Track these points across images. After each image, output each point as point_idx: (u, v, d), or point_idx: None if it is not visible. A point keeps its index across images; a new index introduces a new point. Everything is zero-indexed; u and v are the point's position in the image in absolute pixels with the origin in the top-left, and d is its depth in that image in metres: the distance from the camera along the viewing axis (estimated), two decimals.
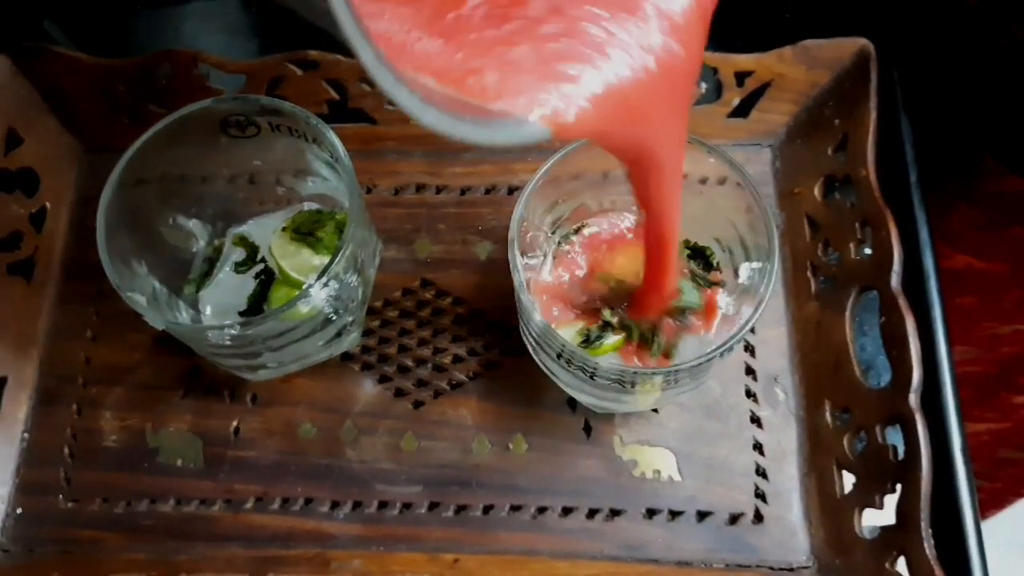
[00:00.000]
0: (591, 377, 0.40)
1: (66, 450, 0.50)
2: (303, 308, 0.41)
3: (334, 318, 0.44)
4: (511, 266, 0.40)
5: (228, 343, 0.41)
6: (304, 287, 0.41)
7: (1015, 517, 0.90)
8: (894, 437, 0.44)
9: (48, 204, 0.54)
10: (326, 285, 0.40)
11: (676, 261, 0.38)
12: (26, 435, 0.50)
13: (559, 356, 0.40)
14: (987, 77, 0.53)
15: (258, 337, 0.41)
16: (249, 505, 0.48)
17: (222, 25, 0.66)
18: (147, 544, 0.48)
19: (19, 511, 0.49)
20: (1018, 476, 0.79)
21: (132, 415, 0.51)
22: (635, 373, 0.40)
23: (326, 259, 0.44)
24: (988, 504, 0.86)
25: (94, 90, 0.55)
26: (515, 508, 0.47)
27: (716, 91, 0.53)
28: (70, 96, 0.55)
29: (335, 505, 0.48)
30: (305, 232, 0.45)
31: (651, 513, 0.47)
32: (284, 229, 0.45)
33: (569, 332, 0.43)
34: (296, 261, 0.45)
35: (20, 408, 0.51)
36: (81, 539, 0.48)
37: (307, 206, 0.50)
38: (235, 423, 0.50)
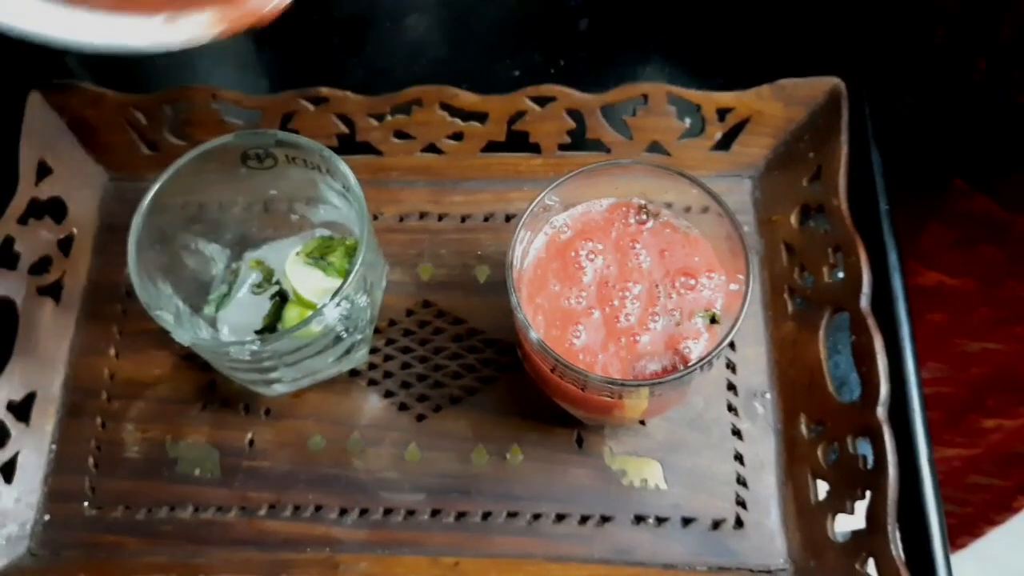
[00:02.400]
0: (582, 389, 0.43)
1: (91, 460, 0.53)
2: (316, 327, 0.44)
3: (344, 336, 0.47)
4: (508, 288, 0.43)
5: (247, 359, 0.44)
6: (318, 307, 0.44)
7: (991, 544, 0.91)
8: (864, 448, 0.47)
9: (75, 230, 0.57)
10: (338, 305, 0.44)
11: None
12: (54, 446, 0.53)
13: (553, 370, 0.44)
14: (957, 106, 0.57)
15: (275, 353, 0.44)
16: (263, 512, 0.51)
17: (235, 62, 0.70)
18: (166, 548, 0.51)
19: (47, 517, 0.52)
20: (989, 501, 0.81)
21: (153, 427, 0.53)
22: (622, 385, 0.43)
23: (336, 282, 0.48)
24: (960, 531, 0.87)
25: (118, 122, 0.58)
26: (512, 515, 0.50)
27: (700, 126, 0.56)
28: (95, 128, 0.59)
29: (343, 512, 0.51)
30: (318, 256, 0.48)
31: (639, 519, 0.50)
32: (298, 254, 0.48)
33: None
34: (309, 283, 0.48)
35: (48, 421, 0.54)
36: (104, 543, 0.51)
37: (318, 232, 0.53)
38: (250, 435, 0.53)
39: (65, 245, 0.57)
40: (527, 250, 0.47)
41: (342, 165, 0.47)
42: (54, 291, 0.56)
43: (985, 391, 0.68)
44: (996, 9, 0.49)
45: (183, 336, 0.43)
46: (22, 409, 0.53)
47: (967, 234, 0.60)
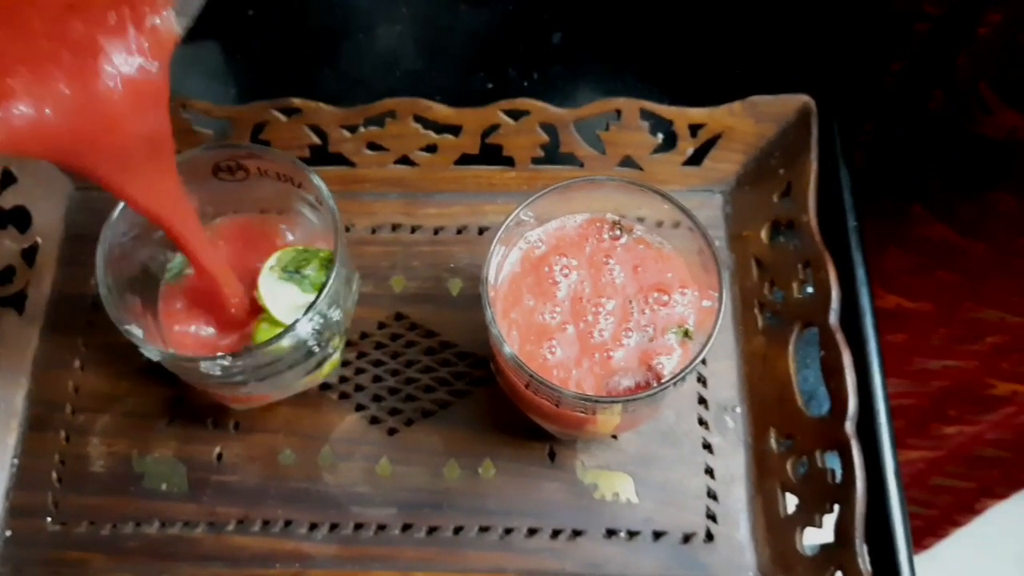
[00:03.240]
0: (556, 404, 0.43)
1: (54, 475, 0.52)
2: (288, 343, 0.44)
3: (316, 350, 0.47)
4: (483, 303, 0.43)
5: (218, 374, 0.43)
6: (292, 322, 0.44)
7: (955, 545, 0.93)
8: (833, 462, 0.47)
9: (39, 240, 0.56)
10: (311, 320, 0.44)
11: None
12: (16, 460, 0.52)
13: (527, 385, 0.44)
14: (915, 134, 0.58)
15: (246, 368, 0.44)
16: (231, 527, 0.51)
17: (204, 69, 0.69)
18: (133, 565, 0.50)
19: (8, 533, 0.51)
20: (953, 504, 0.83)
21: (118, 441, 0.53)
22: (596, 401, 0.43)
23: (310, 296, 0.47)
24: (924, 532, 0.89)
25: None
26: (483, 529, 0.50)
27: (671, 141, 0.57)
28: None
29: (313, 527, 0.50)
30: (292, 270, 0.48)
31: (610, 533, 0.50)
32: (272, 268, 0.48)
33: None
34: (282, 301, 0.47)
35: (10, 435, 0.53)
36: (69, 560, 0.50)
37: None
38: (218, 449, 0.52)
39: (29, 255, 0.56)
40: (502, 265, 0.47)
41: (315, 177, 0.46)
42: (17, 302, 0.55)
43: (946, 402, 0.70)
44: (953, 44, 0.50)
45: (152, 352, 0.43)
46: None
47: (925, 259, 0.62)
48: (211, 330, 0.49)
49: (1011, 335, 0.61)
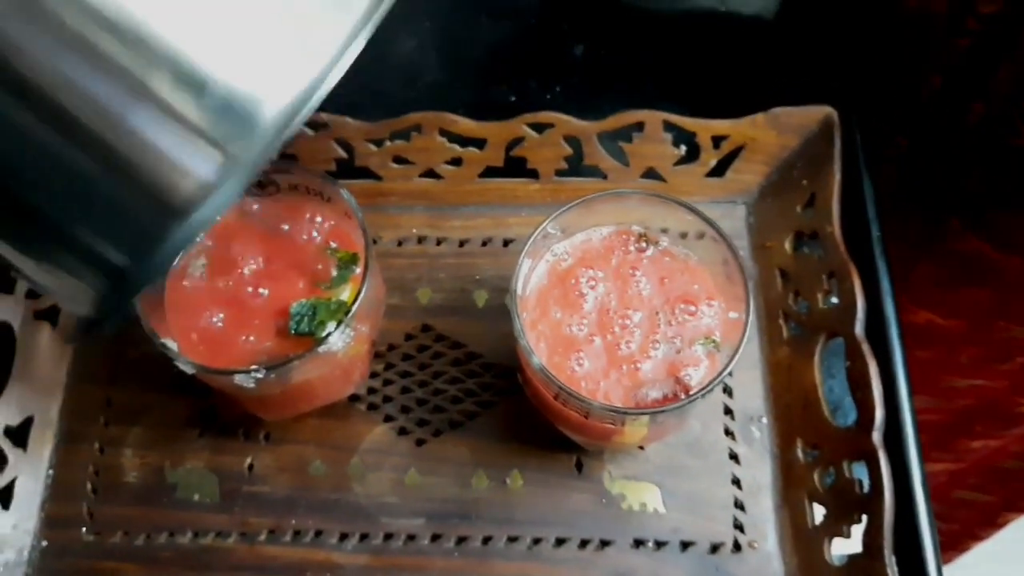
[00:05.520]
0: (585, 416, 0.44)
1: (89, 486, 0.53)
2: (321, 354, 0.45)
3: (346, 363, 0.48)
4: (512, 314, 0.44)
5: (251, 386, 0.44)
6: (324, 334, 0.44)
7: (976, 559, 0.92)
8: (860, 472, 0.47)
9: None
10: (343, 332, 0.44)
11: None
12: (51, 472, 0.53)
13: (556, 397, 0.44)
14: (952, 148, 0.58)
15: (279, 380, 0.45)
16: (263, 537, 0.51)
17: None
18: (166, 574, 0.50)
19: (45, 544, 0.51)
20: (974, 518, 0.82)
21: (151, 453, 0.53)
22: (625, 413, 0.43)
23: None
24: (945, 547, 0.88)
25: None
26: (512, 539, 0.51)
27: (695, 153, 0.57)
28: None
29: (343, 537, 0.51)
30: (306, 331, 0.47)
31: (638, 543, 0.50)
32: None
33: None
34: None
35: (45, 447, 0.53)
36: (103, 570, 0.51)
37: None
38: (249, 460, 0.53)
39: None
40: (529, 277, 0.47)
41: (344, 192, 0.47)
42: (51, 315, 0.56)
43: (972, 419, 0.69)
44: (993, 58, 0.50)
45: (187, 365, 0.43)
46: (19, 434, 0.53)
47: (957, 274, 0.61)
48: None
49: None
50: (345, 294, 0.47)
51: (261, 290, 0.47)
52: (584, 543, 0.50)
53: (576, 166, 0.58)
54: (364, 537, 0.51)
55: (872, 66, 0.63)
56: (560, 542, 0.50)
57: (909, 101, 0.58)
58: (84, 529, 0.52)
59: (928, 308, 0.63)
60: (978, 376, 0.65)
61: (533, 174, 0.58)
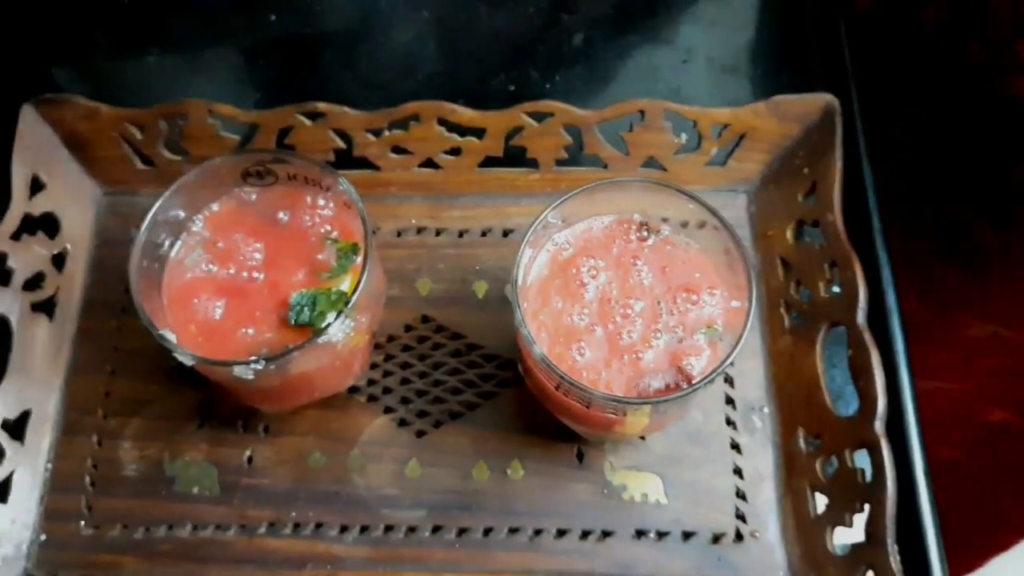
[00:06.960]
0: (586, 406, 0.44)
1: (87, 479, 0.52)
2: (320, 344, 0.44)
3: (346, 354, 0.47)
4: (513, 304, 0.43)
5: (250, 377, 0.44)
6: (323, 326, 0.44)
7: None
8: (862, 461, 0.47)
9: (69, 245, 0.57)
10: (343, 323, 0.44)
11: None
12: (49, 465, 0.53)
13: (557, 387, 0.44)
14: (976, 133, 0.56)
15: (279, 371, 0.44)
16: (262, 530, 0.51)
17: (228, 76, 0.70)
18: (165, 568, 0.50)
19: (43, 537, 0.51)
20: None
21: (150, 445, 0.53)
22: (627, 403, 0.43)
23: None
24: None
25: (112, 137, 0.58)
26: (513, 530, 0.50)
27: (696, 142, 0.57)
28: (89, 142, 0.58)
29: (344, 529, 0.51)
30: (306, 321, 0.47)
31: (640, 534, 0.50)
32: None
33: None
34: None
35: (44, 439, 0.53)
36: (102, 563, 0.51)
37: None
38: (248, 452, 0.53)
39: (59, 261, 0.57)
40: (530, 267, 0.47)
41: (343, 182, 0.47)
42: (48, 308, 0.55)
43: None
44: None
45: (186, 356, 0.43)
46: (16, 428, 0.52)
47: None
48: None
49: None
50: (345, 284, 0.47)
51: (260, 278, 0.47)
52: (586, 534, 0.50)
53: (576, 155, 0.58)
54: (365, 529, 0.51)
55: (870, 49, 0.62)
56: (561, 533, 0.50)
57: (907, 39, 0.56)
58: (83, 522, 0.52)
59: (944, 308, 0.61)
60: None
61: (533, 164, 0.58)
